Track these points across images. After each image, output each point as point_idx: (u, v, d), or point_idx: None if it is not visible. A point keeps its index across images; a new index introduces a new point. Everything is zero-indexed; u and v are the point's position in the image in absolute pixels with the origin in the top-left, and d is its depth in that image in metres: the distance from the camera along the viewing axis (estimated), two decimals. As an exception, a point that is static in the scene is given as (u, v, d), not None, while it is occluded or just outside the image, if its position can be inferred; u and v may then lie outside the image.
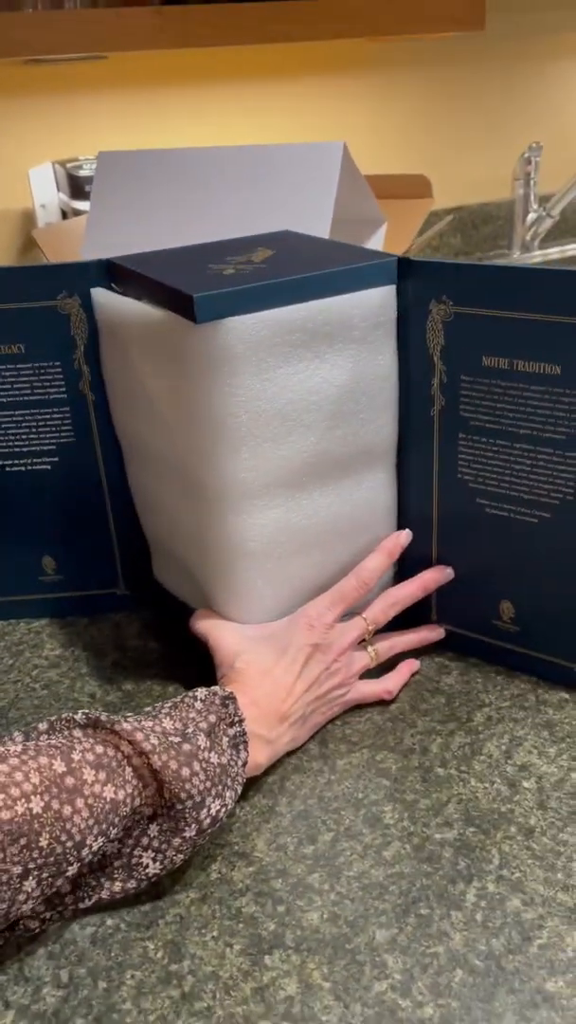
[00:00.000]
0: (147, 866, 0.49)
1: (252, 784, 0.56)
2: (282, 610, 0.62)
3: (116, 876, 0.49)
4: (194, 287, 0.54)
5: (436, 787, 0.56)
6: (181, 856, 0.49)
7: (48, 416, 0.67)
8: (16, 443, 0.68)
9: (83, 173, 1.26)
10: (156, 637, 0.72)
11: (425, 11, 1.40)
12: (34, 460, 0.69)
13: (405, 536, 0.66)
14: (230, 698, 0.53)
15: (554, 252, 1.86)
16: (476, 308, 0.57)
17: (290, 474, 0.60)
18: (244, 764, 0.52)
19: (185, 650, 0.66)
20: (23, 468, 0.69)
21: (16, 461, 0.69)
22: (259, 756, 0.54)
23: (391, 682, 0.63)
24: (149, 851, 0.49)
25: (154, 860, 0.49)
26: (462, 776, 0.57)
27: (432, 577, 0.66)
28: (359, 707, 0.63)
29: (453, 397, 0.61)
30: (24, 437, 0.68)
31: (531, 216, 1.73)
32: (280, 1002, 0.44)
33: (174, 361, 0.57)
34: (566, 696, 0.63)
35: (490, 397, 0.59)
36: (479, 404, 0.60)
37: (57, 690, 0.66)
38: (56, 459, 0.69)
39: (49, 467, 0.69)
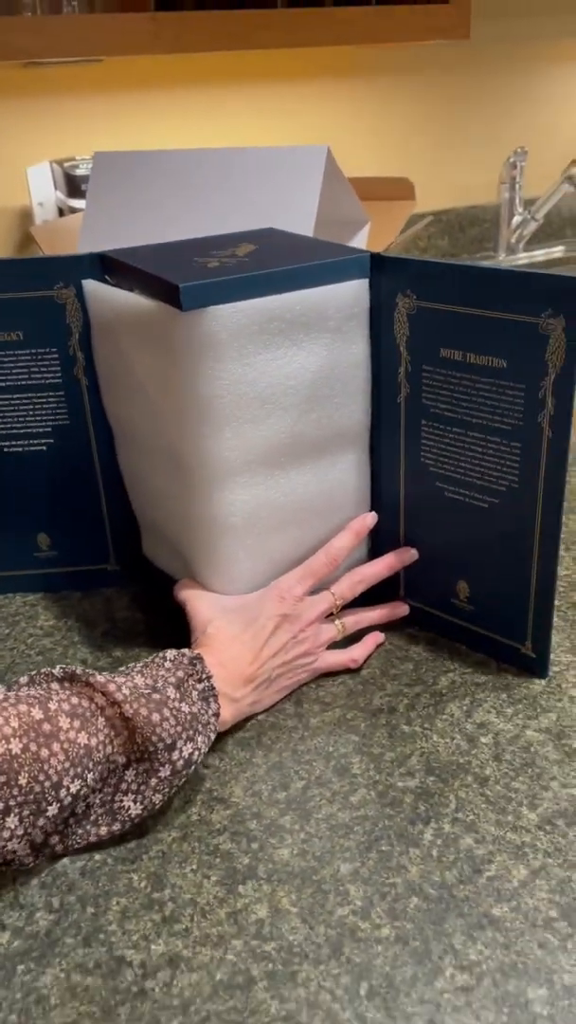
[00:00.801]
0: (128, 808, 0.53)
1: (230, 738, 0.61)
2: (261, 582, 0.67)
3: (101, 822, 0.53)
4: (180, 278, 0.58)
5: (401, 742, 0.60)
6: (160, 796, 0.53)
7: (44, 400, 0.72)
8: (14, 425, 0.73)
9: (79, 172, 1.30)
10: (144, 609, 0.76)
11: (412, 21, 1.44)
12: (31, 442, 0.73)
13: (371, 518, 0.71)
14: (197, 658, 0.58)
15: (539, 254, 1.90)
16: (435, 303, 0.62)
17: (269, 453, 0.64)
18: (216, 715, 0.57)
19: (171, 621, 0.71)
20: (20, 449, 0.74)
21: (13, 442, 0.73)
22: (225, 713, 0.59)
23: (357, 652, 0.68)
24: (129, 795, 0.53)
25: (135, 802, 0.53)
26: (425, 732, 0.61)
27: (397, 558, 0.70)
28: (333, 673, 0.67)
29: (417, 386, 0.65)
30: (21, 420, 0.73)
31: (516, 219, 1.78)
32: (251, 924, 0.48)
33: (162, 347, 0.62)
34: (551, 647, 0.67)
35: (447, 387, 0.63)
36: (438, 393, 0.64)
37: (51, 656, 0.71)
38: (51, 441, 0.73)
39: (45, 448, 0.74)
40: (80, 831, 0.53)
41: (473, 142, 1.78)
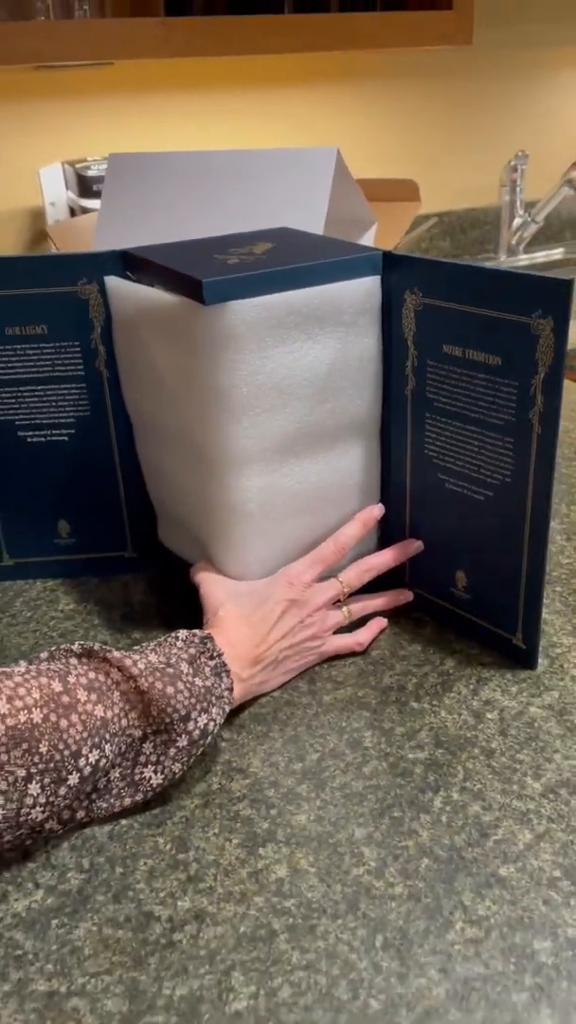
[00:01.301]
0: (149, 779, 0.56)
1: (247, 713, 0.64)
2: (274, 566, 0.70)
3: (124, 793, 0.56)
4: (203, 273, 0.61)
5: (410, 717, 0.63)
6: (179, 765, 0.56)
7: (67, 391, 0.75)
8: (37, 416, 0.75)
9: (91, 173, 1.33)
10: (160, 594, 0.79)
11: (416, 26, 1.47)
12: (53, 432, 0.76)
13: (379, 510, 0.74)
14: (208, 637, 0.61)
15: (539, 256, 1.94)
16: (439, 300, 0.64)
17: (284, 442, 0.67)
18: (229, 689, 0.59)
19: (186, 605, 0.74)
20: (42, 439, 0.76)
21: (36, 432, 0.76)
22: (234, 691, 0.61)
23: (363, 635, 0.71)
24: (148, 766, 0.56)
25: (155, 772, 0.56)
26: (434, 708, 0.64)
27: (403, 549, 0.73)
28: (342, 655, 0.70)
29: (422, 379, 0.68)
30: (44, 411, 0.75)
31: (517, 221, 1.81)
32: (272, 883, 0.51)
33: (183, 340, 0.65)
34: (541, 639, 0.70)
35: (448, 381, 0.66)
36: (440, 387, 0.67)
37: (72, 638, 0.74)
38: (73, 431, 0.76)
39: (66, 438, 0.76)
40: (104, 804, 0.56)
41: (475, 145, 1.81)
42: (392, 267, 0.67)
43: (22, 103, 1.41)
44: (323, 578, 0.69)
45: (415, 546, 0.73)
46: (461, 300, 0.63)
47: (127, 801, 0.56)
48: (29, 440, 0.76)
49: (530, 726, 0.62)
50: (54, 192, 1.40)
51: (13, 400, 0.75)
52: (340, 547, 0.70)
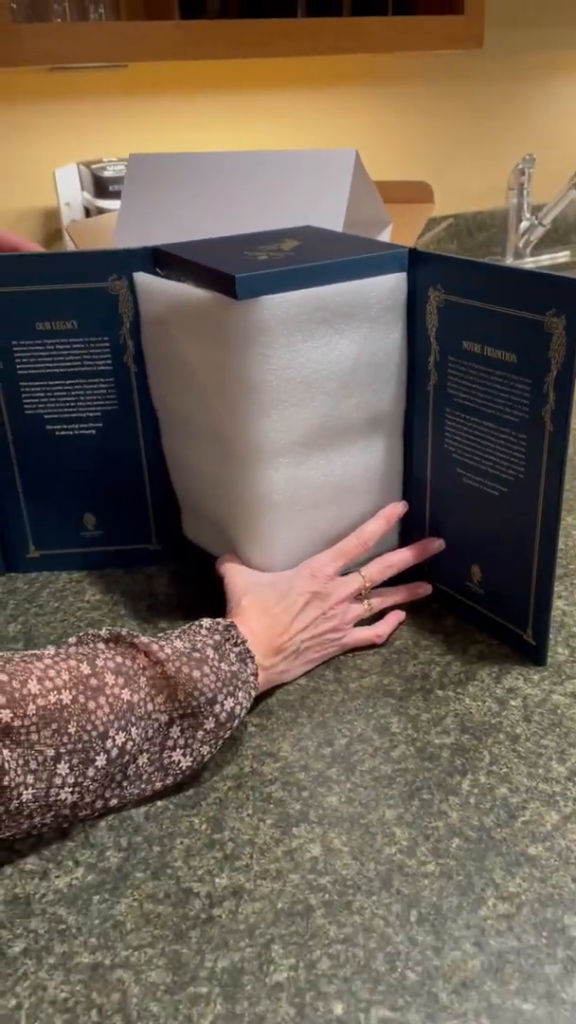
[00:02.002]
0: (179, 762, 0.57)
1: (275, 700, 0.65)
2: (300, 556, 0.71)
3: (154, 778, 0.57)
4: (235, 269, 0.63)
5: (436, 704, 0.65)
6: (207, 748, 0.58)
7: (95, 386, 0.76)
8: (66, 410, 0.77)
9: (107, 174, 1.34)
10: (184, 585, 0.80)
11: (427, 30, 1.49)
12: (81, 426, 0.78)
13: (402, 507, 0.75)
14: (232, 626, 0.62)
15: (545, 259, 1.95)
16: (460, 297, 0.66)
17: (311, 435, 0.68)
18: (254, 675, 0.61)
19: (211, 597, 0.75)
20: (71, 433, 0.78)
21: (65, 426, 0.78)
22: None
23: (381, 628, 0.72)
24: (177, 750, 0.57)
25: (184, 755, 0.57)
26: (458, 696, 0.65)
27: (424, 547, 0.75)
28: (363, 647, 0.71)
29: (443, 375, 0.69)
30: (72, 405, 0.77)
31: (524, 224, 1.82)
32: (307, 861, 0.53)
33: (214, 334, 0.66)
34: (549, 636, 0.72)
35: (468, 377, 0.67)
36: (460, 383, 0.68)
37: (99, 628, 0.75)
38: (100, 425, 0.78)
39: (94, 432, 0.78)
40: (135, 790, 0.57)
41: (482, 148, 1.83)
42: (417, 264, 0.68)
43: (38, 104, 1.43)
44: (344, 572, 0.71)
45: (436, 544, 0.75)
46: (480, 297, 0.64)
47: (158, 785, 0.57)
48: (57, 434, 0.78)
49: (553, 713, 0.63)
50: (69, 192, 1.41)
51: (42, 394, 0.76)
52: (363, 542, 0.72)
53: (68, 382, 0.76)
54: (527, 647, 0.69)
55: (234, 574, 0.71)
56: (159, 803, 0.57)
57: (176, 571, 0.83)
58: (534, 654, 0.69)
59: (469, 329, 0.66)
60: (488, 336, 0.65)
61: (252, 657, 0.61)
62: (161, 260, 0.72)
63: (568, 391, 0.60)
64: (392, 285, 0.68)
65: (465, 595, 0.74)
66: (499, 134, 1.84)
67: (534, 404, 0.62)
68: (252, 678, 0.61)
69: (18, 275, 0.72)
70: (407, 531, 0.77)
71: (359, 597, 0.71)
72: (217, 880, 0.52)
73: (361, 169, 0.95)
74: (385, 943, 0.48)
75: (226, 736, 0.59)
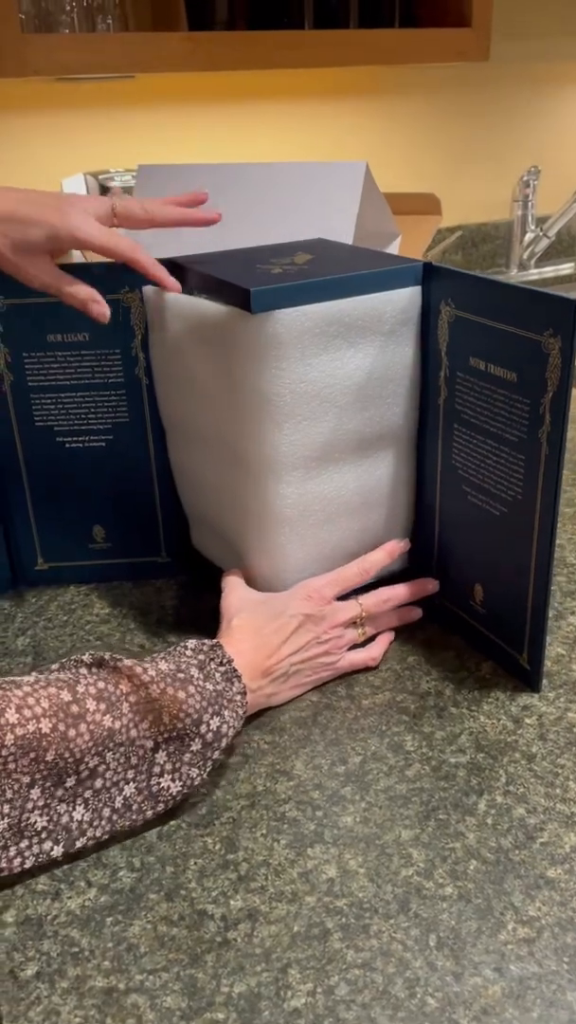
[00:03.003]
0: (168, 788, 0.56)
1: (287, 717, 0.65)
2: (310, 570, 0.70)
3: (145, 807, 0.55)
4: (249, 282, 0.62)
5: (450, 722, 0.64)
6: (196, 771, 0.56)
7: (106, 398, 0.76)
8: (76, 422, 0.76)
9: (114, 184, 1.34)
10: (193, 598, 0.80)
11: (433, 43, 1.49)
12: (91, 438, 0.77)
13: (405, 544, 0.75)
14: (217, 646, 0.61)
15: (549, 271, 1.95)
16: (468, 313, 0.65)
17: (324, 449, 0.68)
18: (241, 693, 0.60)
19: (219, 609, 0.74)
20: (80, 445, 0.77)
21: (75, 438, 0.77)
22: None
23: (375, 651, 0.71)
24: (165, 776, 0.56)
25: (173, 780, 0.56)
26: (472, 713, 0.65)
27: (420, 586, 0.74)
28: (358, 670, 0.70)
29: (452, 391, 0.68)
30: (83, 417, 0.76)
31: (528, 236, 1.83)
32: (323, 883, 0.52)
33: (227, 348, 0.66)
34: (562, 652, 0.71)
35: (473, 394, 0.66)
36: (466, 399, 0.67)
37: (109, 641, 0.74)
38: (111, 437, 0.77)
39: (104, 444, 0.77)
40: (126, 822, 0.55)
41: (488, 160, 1.83)
42: (430, 278, 0.68)
43: (45, 114, 1.43)
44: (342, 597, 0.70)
45: (431, 586, 0.75)
46: (486, 314, 0.64)
47: (149, 814, 0.56)
48: (67, 446, 0.77)
49: (569, 731, 0.63)
50: (76, 202, 1.41)
51: (53, 406, 0.76)
52: (364, 571, 0.71)
53: (79, 394, 0.75)
54: (523, 671, 0.68)
55: (229, 591, 0.70)
56: (172, 822, 0.56)
57: (185, 583, 0.82)
58: (529, 679, 0.67)
59: (475, 345, 0.65)
60: (491, 353, 0.64)
61: (238, 676, 0.60)
62: (172, 272, 0.71)
63: (563, 413, 0.59)
64: (407, 299, 0.67)
65: (469, 614, 0.73)
66: (504, 146, 1.84)
67: (532, 424, 0.61)
68: (239, 697, 0.60)
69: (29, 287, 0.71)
70: (417, 547, 0.76)
71: (354, 624, 0.71)
72: (232, 902, 0.51)
73: (371, 180, 0.95)
74: (404, 968, 0.47)
75: (214, 757, 0.57)
